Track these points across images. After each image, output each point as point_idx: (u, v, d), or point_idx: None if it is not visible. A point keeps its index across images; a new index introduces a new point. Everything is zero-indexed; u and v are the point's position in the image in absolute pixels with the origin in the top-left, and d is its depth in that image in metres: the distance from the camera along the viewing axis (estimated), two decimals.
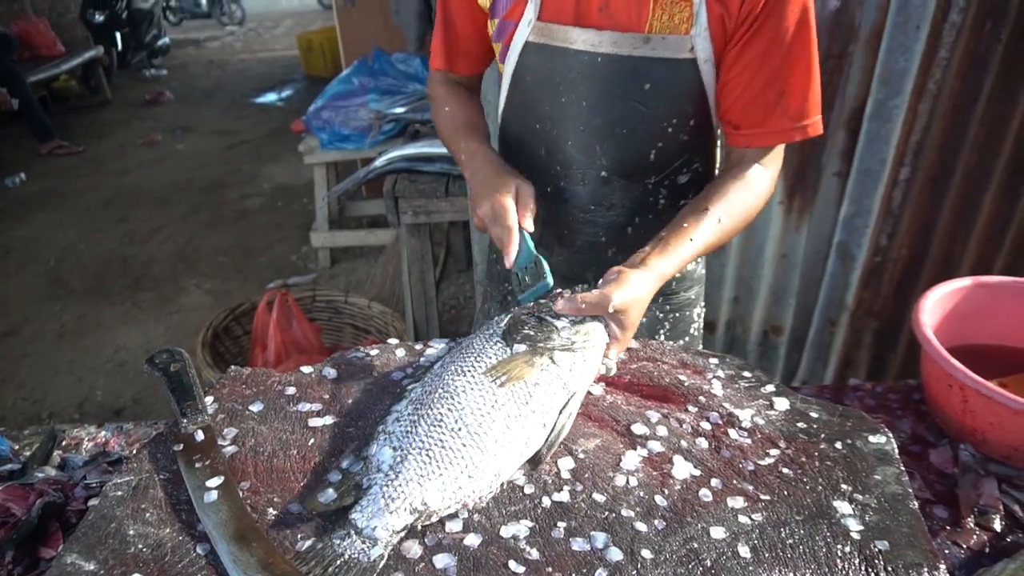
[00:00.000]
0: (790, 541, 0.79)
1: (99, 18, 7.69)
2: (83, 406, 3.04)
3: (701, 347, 1.40)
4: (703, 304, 1.41)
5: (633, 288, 0.99)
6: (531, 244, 1.07)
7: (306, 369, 1.07)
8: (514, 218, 1.05)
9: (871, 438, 0.94)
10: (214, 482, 0.83)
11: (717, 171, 1.26)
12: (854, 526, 0.81)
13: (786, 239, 2.12)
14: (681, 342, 1.37)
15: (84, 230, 4.60)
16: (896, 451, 0.93)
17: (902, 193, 1.99)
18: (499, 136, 1.30)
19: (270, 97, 7.55)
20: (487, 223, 1.08)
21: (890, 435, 0.95)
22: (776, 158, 1.16)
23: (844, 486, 0.87)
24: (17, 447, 1.15)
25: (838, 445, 0.93)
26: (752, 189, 1.14)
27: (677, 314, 1.34)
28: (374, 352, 1.10)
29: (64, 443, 1.14)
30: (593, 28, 1.07)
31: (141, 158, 5.85)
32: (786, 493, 0.86)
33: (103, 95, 7.36)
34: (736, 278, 2.22)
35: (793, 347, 2.31)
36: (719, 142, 1.25)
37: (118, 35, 8.08)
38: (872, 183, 1.97)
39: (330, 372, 1.06)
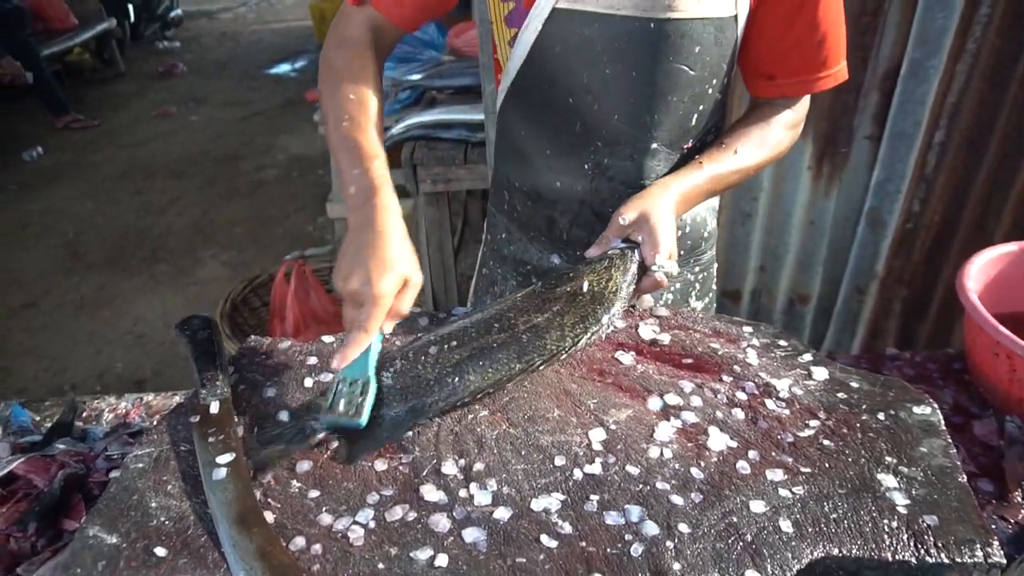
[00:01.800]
0: (834, 516, 0.76)
1: None
2: (103, 377, 3.05)
3: (715, 304, 1.37)
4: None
5: (638, 198, 1.03)
6: (373, 361, 0.88)
7: (327, 339, 1.05)
8: (380, 321, 0.85)
9: (915, 409, 0.90)
10: (224, 459, 0.81)
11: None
12: (900, 500, 0.78)
13: (815, 205, 2.06)
14: (707, 299, 1.34)
15: (101, 203, 4.60)
16: (942, 422, 0.89)
17: (936, 157, 1.92)
18: (500, 113, 1.20)
19: (283, 68, 7.48)
20: (346, 299, 0.87)
21: (935, 406, 0.91)
22: (805, 105, 1.15)
23: (888, 458, 0.83)
24: (38, 418, 1.14)
25: (880, 416, 0.89)
26: (774, 125, 1.13)
27: (704, 274, 1.32)
28: (389, 332, 1.07)
29: (84, 414, 1.13)
30: None
31: (156, 130, 5.83)
32: (827, 466, 0.82)
33: (116, 68, 7.32)
34: (762, 246, 2.17)
35: (820, 316, 2.26)
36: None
37: (130, 7, 8.00)
38: (906, 147, 1.90)
39: None
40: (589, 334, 0.94)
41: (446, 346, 0.93)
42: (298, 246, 3.98)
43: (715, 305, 1.36)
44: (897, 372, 1.13)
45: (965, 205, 1.95)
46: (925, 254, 2.07)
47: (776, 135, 1.13)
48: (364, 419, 0.85)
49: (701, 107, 1.09)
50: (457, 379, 0.88)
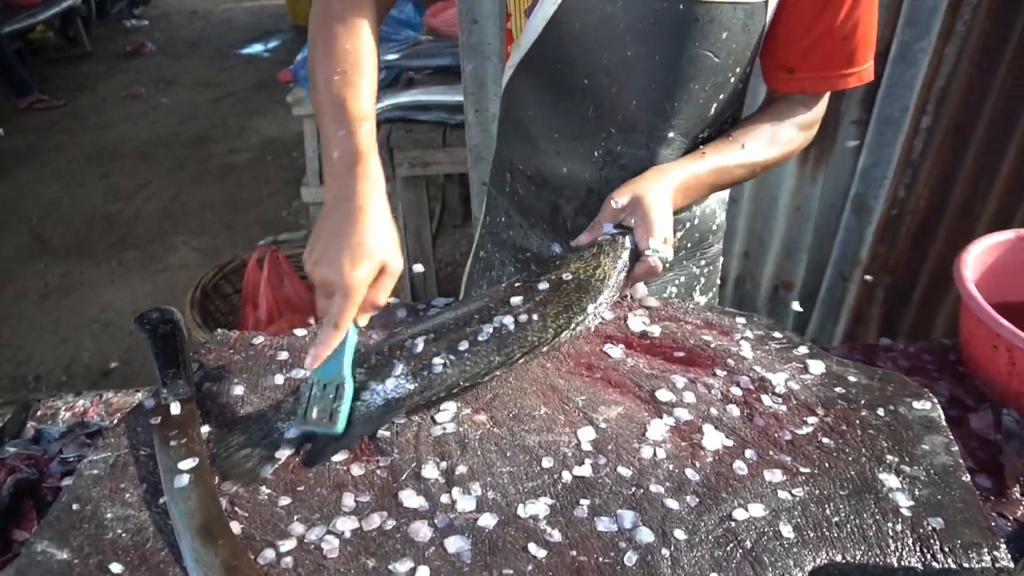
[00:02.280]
0: (836, 519, 0.72)
1: None
2: (70, 368, 2.95)
3: (717, 298, 1.33)
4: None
5: (632, 181, 0.99)
6: (348, 360, 0.80)
7: (299, 332, 0.99)
8: (353, 315, 0.77)
9: (915, 404, 0.87)
10: (187, 464, 0.75)
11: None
12: (904, 501, 0.74)
13: (801, 191, 2.03)
14: (711, 293, 1.30)
15: (67, 186, 4.45)
16: (943, 418, 0.86)
17: (923, 142, 1.89)
18: (505, 90, 1.13)
19: (256, 48, 7.29)
20: (317, 287, 0.79)
21: (935, 401, 0.88)
22: (823, 102, 1.10)
23: (890, 457, 0.80)
24: None
25: (880, 412, 0.86)
26: (787, 123, 1.08)
27: (710, 268, 1.27)
28: (364, 324, 1.02)
29: (39, 413, 1.06)
30: None
31: (124, 112, 5.64)
32: (827, 465, 0.79)
33: (82, 47, 7.08)
34: (747, 232, 2.13)
35: (803, 303, 2.24)
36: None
37: None
38: (892, 132, 1.87)
39: None
40: (573, 325, 0.89)
41: (422, 340, 0.87)
42: (271, 231, 3.88)
43: (717, 300, 1.32)
44: (891, 363, 1.09)
45: (951, 191, 1.93)
46: (910, 240, 2.05)
47: (788, 133, 1.07)
48: (340, 426, 0.78)
49: (721, 96, 1.03)
50: (432, 373, 0.83)
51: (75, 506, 0.73)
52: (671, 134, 1.05)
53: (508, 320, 0.88)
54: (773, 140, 1.07)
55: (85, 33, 7.14)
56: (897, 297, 2.14)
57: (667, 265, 0.98)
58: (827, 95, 1.10)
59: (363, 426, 0.81)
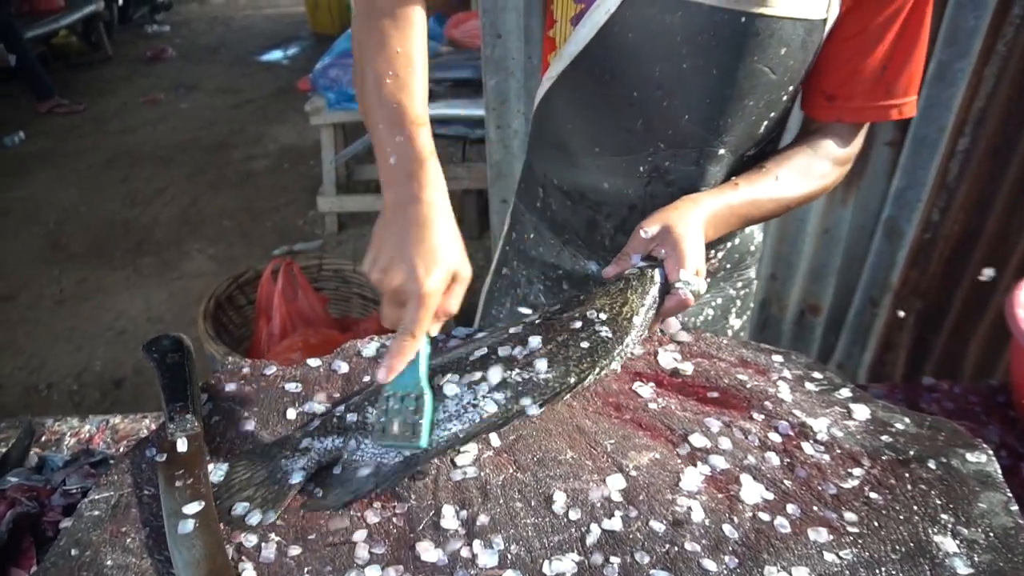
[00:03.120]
0: None
1: None
2: (82, 376, 2.93)
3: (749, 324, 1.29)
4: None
5: (663, 210, 0.95)
6: (424, 369, 0.77)
7: (313, 362, 0.94)
8: (428, 323, 0.74)
9: (968, 456, 0.81)
10: (192, 508, 0.71)
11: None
12: (962, 569, 0.68)
13: (830, 213, 1.97)
14: (745, 316, 1.25)
15: (85, 191, 4.46)
16: (999, 472, 0.80)
17: (959, 165, 1.83)
18: (542, 102, 1.09)
19: (275, 55, 7.32)
20: (386, 296, 0.76)
21: (990, 453, 0.82)
22: (861, 136, 1.06)
23: (944, 516, 0.74)
24: None
25: (931, 464, 0.80)
26: (822, 156, 1.04)
27: (746, 290, 1.23)
28: (390, 343, 0.97)
29: (43, 439, 1.02)
30: None
31: (144, 117, 5.67)
32: (876, 524, 0.73)
33: (104, 51, 7.14)
34: (774, 254, 2.08)
35: (830, 328, 2.18)
36: None
37: None
38: (928, 153, 1.81)
39: (340, 366, 0.93)
40: (598, 369, 0.83)
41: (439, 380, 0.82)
42: (287, 240, 3.86)
43: (750, 323, 1.27)
44: (936, 405, 1.03)
45: (987, 216, 1.87)
46: (943, 265, 1.99)
47: (822, 168, 1.03)
48: (424, 440, 0.73)
49: (772, 114, 1.00)
50: (452, 426, 0.77)
51: (74, 551, 0.69)
52: (721, 150, 1.01)
53: (527, 365, 0.82)
54: (808, 173, 1.02)
55: (107, 38, 7.20)
56: (928, 324, 2.07)
57: (699, 297, 0.93)
58: (864, 129, 1.06)
59: (385, 482, 0.76)
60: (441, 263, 0.73)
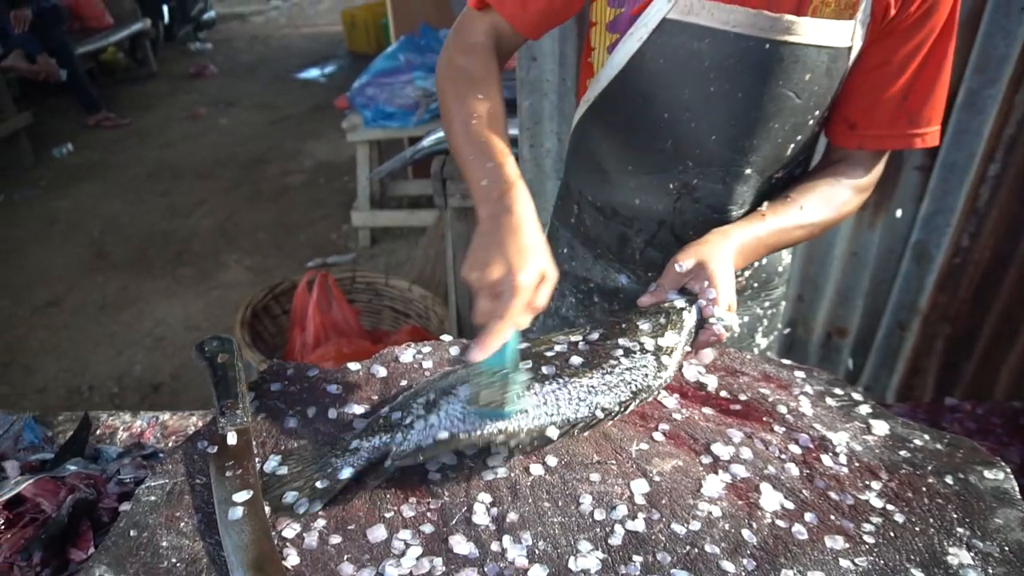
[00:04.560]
0: None
1: None
2: (122, 380, 3.03)
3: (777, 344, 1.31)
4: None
5: (695, 244, 0.98)
6: (513, 352, 0.82)
7: (353, 366, 0.99)
8: (520, 311, 0.80)
9: (986, 473, 0.83)
10: (241, 496, 0.76)
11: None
12: None
13: (858, 236, 1.98)
14: (772, 336, 1.28)
15: (128, 202, 4.61)
16: (1016, 490, 0.82)
17: (990, 190, 1.84)
18: (579, 123, 1.15)
19: (313, 73, 7.51)
20: (482, 291, 0.82)
21: (1008, 471, 0.84)
22: (881, 164, 1.09)
23: (960, 529, 0.76)
24: (50, 433, 1.09)
25: (949, 480, 0.82)
26: (844, 184, 1.07)
27: (773, 310, 1.26)
28: (426, 350, 1.02)
29: (98, 431, 1.08)
30: (762, 9, 0.92)
31: (185, 131, 5.85)
32: (892, 535, 0.75)
33: (149, 68, 7.39)
34: (801, 276, 2.09)
35: (858, 351, 2.18)
36: None
37: (165, 8, 8.09)
38: (957, 179, 1.82)
39: (379, 370, 0.98)
40: (638, 401, 0.87)
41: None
42: (321, 253, 3.95)
43: (777, 344, 1.30)
44: (957, 425, 1.05)
45: (1018, 241, 1.87)
46: (972, 290, 1.98)
47: (842, 195, 1.07)
48: (510, 408, 0.79)
49: (799, 137, 1.03)
50: (492, 425, 0.81)
51: (132, 532, 0.74)
52: (748, 171, 1.05)
53: (569, 386, 0.85)
54: (829, 201, 1.06)
55: (152, 55, 7.45)
56: (957, 350, 2.07)
57: (731, 332, 0.96)
58: (885, 157, 1.09)
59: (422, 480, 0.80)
60: (533, 262, 0.81)
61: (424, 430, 0.80)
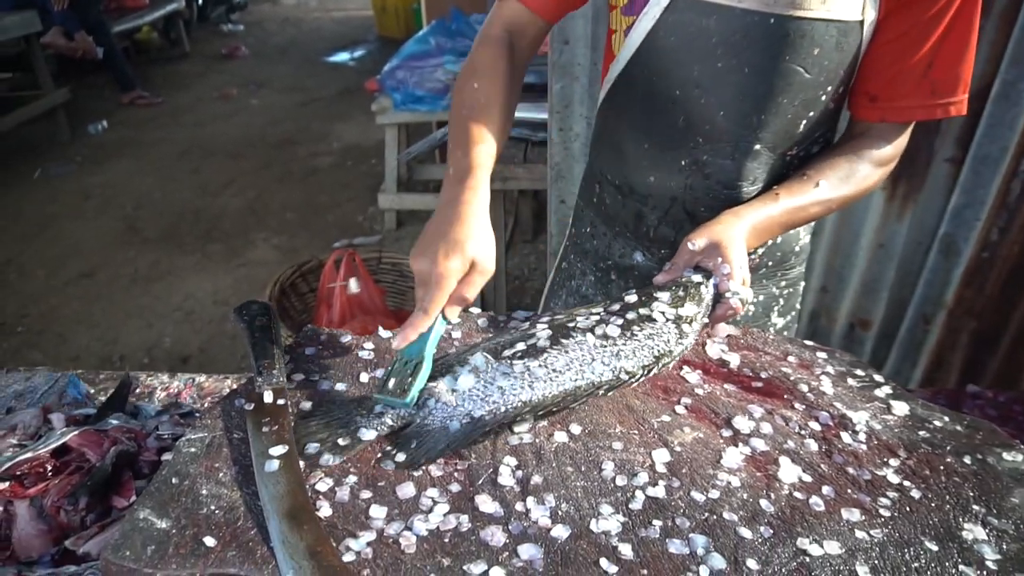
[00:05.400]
0: (916, 564, 0.71)
1: None
2: (152, 351, 3.11)
3: (797, 323, 1.31)
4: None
5: (708, 224, 1.00)
6: (432, 344, 0.86)
7: (384, 333, 1.02)
8: (442, 303, 0.84)
9: (1005, 455, 0.84)
10: (277, 450, 0.79)
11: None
12: (990, 554, 0.72)
13: (885, 228, 1.97)
14: (789, 316, 1.29)
15: (160, 179, 4.70)
16: None
17: (1021, 185, 1.82)
18: (602, 104, 1.18)
19: (342, 56, 7.56)
20: (416, 279, 0.87)
21: None
22: (904, 136, 1.07)
23: (976, 507, 0.77)
24: (92, 391, 1.14)
25: (967, 460, 0.83)
26: (864, 159, 1.06)
27: (790, 290, 1.26)
28: (456, 320, 1.05)
29: (137, 390, 1.13)
30: None
31: (216, 111, 5.94)
32: (908, 509, 0.77)
33: (182, 48, 7.50)
34: (826, 266, 2.09)
35: (881, 343, 2.18)
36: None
37: None
38: (989, 172, 1.81)
39: None
40: (660, 365, 0.90)
41: (510, 355, 0.89)
42: (347, 235, 4.01)
43: (796, 325, 1.30)
44: (978, 412, 1.06)
45: None
46: (999, 286, 1.97)
47: (863, 170, 1.06)
48: (411, 398, 0.84)
49: (811, 113, 1.04)
50: (516, 395, 0.85)
51: (174, 480, 0.78)
52: (757, 146, 1.06)
53: (597, 351, 0.88)
54: (848, 178, 1.05)
55: (186, 35, 7.55)
56: (982, 345, 2.05)
57: (747, 304, 0.98)
58: (909, 129, 1.07)
59: (455, 443, 0.83)
60: (461, 251, 0.84)
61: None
